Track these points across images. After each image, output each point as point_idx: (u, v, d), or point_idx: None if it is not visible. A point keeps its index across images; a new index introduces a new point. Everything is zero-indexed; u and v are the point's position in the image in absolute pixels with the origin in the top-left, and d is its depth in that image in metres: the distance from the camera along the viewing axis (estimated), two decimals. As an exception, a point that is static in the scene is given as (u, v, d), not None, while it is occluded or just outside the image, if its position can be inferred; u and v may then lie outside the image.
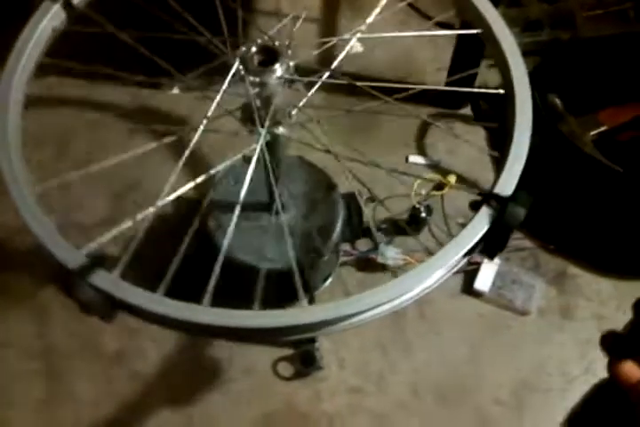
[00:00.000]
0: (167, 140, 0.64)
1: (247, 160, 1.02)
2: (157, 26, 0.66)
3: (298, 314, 0.54)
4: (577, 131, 1.23)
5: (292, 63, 0.64)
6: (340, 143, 0.75)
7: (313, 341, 1.03)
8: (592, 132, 1.22)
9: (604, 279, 1.18)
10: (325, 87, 0.72)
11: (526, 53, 1.35)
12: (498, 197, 0.56)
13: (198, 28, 0.66)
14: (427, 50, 1.40)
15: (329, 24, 1.42)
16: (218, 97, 0.62)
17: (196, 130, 0.62)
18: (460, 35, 1.33)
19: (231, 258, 0.96)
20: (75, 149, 1.29)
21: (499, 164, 0.60)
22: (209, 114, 0.62)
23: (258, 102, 0.65)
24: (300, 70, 0.65)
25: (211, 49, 0.65)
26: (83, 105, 1.32)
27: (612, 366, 0.47)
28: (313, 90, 0.70)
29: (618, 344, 0.48)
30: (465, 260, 0.57)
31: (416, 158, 1.27)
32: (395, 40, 1.38)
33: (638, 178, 1.16)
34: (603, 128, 1.23)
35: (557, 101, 1.25)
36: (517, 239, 1.19)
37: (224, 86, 0.63)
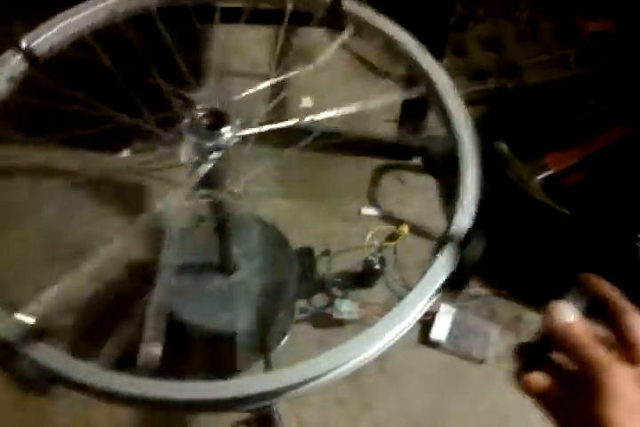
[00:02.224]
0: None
1: (197, 221, 1.03)
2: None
3: (247, 384, 0.53)
4: (525, 176, 1.25)
5: (239, 128, 0.65)
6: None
7: (270, 404, 1.02)
8: (539, 177, 1.25)
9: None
10: (276, 143, 0.72)
11: (474, 102, 1.42)
12: (453, 242, 0.57)
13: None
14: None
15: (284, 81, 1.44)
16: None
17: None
18: (407, 84, 1.37)
19: (183, 322, 0.95)
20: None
21: (450, 211, 0.61)
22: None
23: (203, 164, 0.65)
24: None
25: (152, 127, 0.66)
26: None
27: (519, 376, 0.47)
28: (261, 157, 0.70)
29: (528, 355, 0.49)
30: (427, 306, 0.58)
31: (368, 210, 1.28)
32: (345, 92, 1.41)
33: (586, 221, 1.19)
34: (550, 172, 1.26)
35: (505, 148, 1.28)
36: (472, 287, 1.20)
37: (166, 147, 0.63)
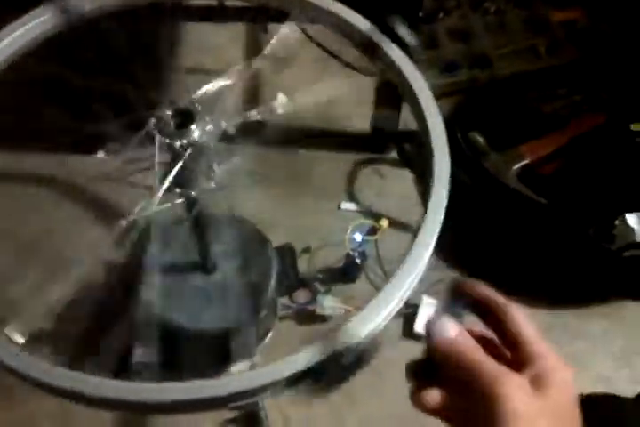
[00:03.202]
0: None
1: (175, 221, 1.02)
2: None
3: (231, 382, 0.53)
4: (500, 166, 1.26)
5: (209, 127, 0.65)
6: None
7: (256, 401, 1.02)
8: (515, 167, 1.26)
9: (539, 310, 1.20)
10: (252, 139, 0.72)
11: (447, 94, 1.42)
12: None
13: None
14: (350, 96, 1.43)
15: (252, 77, 1.44)
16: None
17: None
18: (379, 78, 1.37)
19: (165, 322, 0.94)
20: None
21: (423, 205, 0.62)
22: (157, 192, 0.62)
23: (173, 164, 0.65)
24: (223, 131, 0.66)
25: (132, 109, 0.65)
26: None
27: (412, 395, 0.46)
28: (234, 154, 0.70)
29: (419, 372, 0.48)
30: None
31: (347, 205, 1.29)
32: (318, 88, 1.41)
33: (563, 209, 1.20)
34: (525, 161, 1.27)
35: (480, 138, 1.29)
36: (451, 278, 1.20)
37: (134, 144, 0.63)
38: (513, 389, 0.41)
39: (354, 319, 0.55)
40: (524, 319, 0.45)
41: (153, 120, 0.62)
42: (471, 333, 0.46)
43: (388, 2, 1.09)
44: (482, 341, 0.46)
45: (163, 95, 0.66)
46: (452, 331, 0.45)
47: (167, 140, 0.62)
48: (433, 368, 0.46)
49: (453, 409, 0.45)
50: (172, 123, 0.63)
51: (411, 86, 0.69)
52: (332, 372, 0.53)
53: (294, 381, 0.51)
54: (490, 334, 0.46)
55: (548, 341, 1.27)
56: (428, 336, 0.46)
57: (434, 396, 0.45)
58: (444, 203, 0.62)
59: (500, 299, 0.46)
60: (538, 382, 0.42)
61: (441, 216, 0.61)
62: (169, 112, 0.63)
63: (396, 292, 0.57)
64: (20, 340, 0.53)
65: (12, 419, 1.06)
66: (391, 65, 0.71)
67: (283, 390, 0.51)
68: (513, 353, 0.45)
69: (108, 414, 1.01)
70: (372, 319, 0.55)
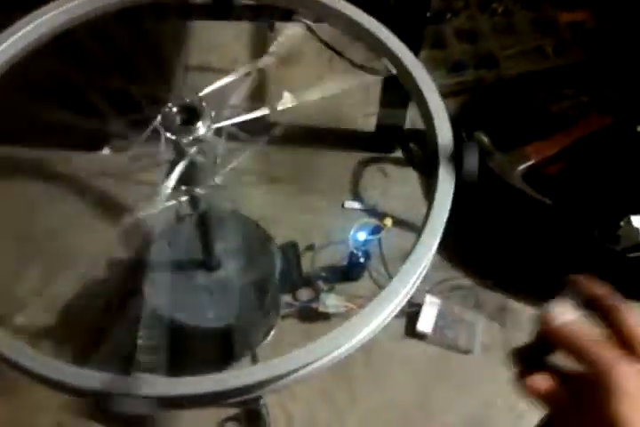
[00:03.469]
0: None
1: (179, 219, 1.02)
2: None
3: (237, 376, 0.53)
4: (505, 166, 1.26)
5: (215, 123, 0.65)
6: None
7: (258, 398, 1.02)
8: (520, 167, 1.26)
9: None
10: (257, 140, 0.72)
11: (453, 94, 1.42)
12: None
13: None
14: (356, 95, 1.43)
15: (258, 75, 1.44)
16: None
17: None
18: (385, 78, 1.37)
19: (168, 319, 0.94)
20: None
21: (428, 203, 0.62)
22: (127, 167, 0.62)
23: (179, 161, 0.65)
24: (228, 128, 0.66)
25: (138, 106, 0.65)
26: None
27: (520, 380, 0.47)
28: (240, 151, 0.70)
29: (526, 357, 0.49)
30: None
31: (352, 204, 1.28)
32: (323, 86, 1.41)
33: (568, 210, 1.20)
34: (530, 162, 1.26)
35: (485, 138, 1.29)
36: (456, 278, 1.20)
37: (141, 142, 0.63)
38: (623, 376, 0.42)
39: (358, 315, 0.55)
40: (637, 320, 0.46)
41: (159, 116, 0.63)
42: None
43: (398, 3, 1.09)
44: (596, 335, 0.46)
45: (168, 93, 0.66)
46: (569, 315, 0.46)
47: (173, 137, 0.62)
48: (540, 356, 0.47)
49: (561, 397, 0.45)
50: (177, 119, 0.64)
51: (418, 87, 0.70)
52: None
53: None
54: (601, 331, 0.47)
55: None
56: (545, 321, 0.46)
57: (541, 382, 0.46)
58: (449, 202, 0.62)
59: (613, 299, 0.47)
60: None
61: (445, 215, 0.61)
62: (175, 108, 0.63)
63: (400, 289, 0.57)
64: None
65: (11, 413, 1.07)
66: (399, 65, 0.71)
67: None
68: (624, 350, 0.44)
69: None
70: (377, 316, 0.56)
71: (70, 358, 0.52)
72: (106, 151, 0.82)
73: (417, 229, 0.60)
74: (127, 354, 0.58)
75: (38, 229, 1.20)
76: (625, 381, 0.41)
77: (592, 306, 0.47)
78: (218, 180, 0.70)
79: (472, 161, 0.60)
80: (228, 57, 1.46)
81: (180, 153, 0.63)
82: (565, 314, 0.46)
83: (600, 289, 0.47)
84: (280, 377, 0.54)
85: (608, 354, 0.43)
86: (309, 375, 0.56)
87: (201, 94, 0.65)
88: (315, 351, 0.54)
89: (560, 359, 0.47)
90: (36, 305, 0.53)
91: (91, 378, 0.52)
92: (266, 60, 0.75)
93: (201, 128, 0.63)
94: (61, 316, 1.09)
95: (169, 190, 0.63)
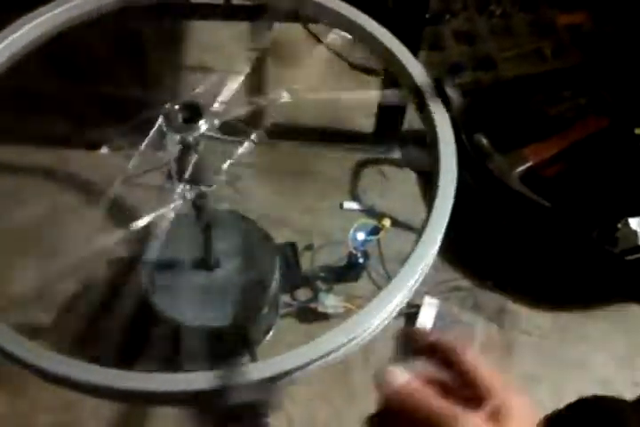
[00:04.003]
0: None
1: (178, 218, 1.02)
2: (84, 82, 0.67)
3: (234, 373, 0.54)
4: (504, 168, 1.26)
5: (216, 121, 0.65)
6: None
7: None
8: (519, 169, 1.26)
9: (542, 312, 1.20)
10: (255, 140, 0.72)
11: (451, 95, 1.41)
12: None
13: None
14: (355, 95, 1.43)
15: (256, 75, 1.44)
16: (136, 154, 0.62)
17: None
18: (383, 80, 1.37)
19: (167, 318, 0.94)
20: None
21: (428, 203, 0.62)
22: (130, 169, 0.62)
23: (184, 159, 0.65)
24: (229, 125, 0.66)
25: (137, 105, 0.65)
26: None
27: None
28: (241, 149, 0.70)
29: (377, 424, 0.47)
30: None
31: (350, 204, 1.29)
32: (322, 87, 1.41)
33: (566, 212, 1.20)
34: (529, 164, 1.26)
35: (484, 140, 1.29)
36: (455, 280, 1.20)
37: (146, 142, 0.63)
38: (475, 425, 0.40)
39: (360, 313, 0.55)
40: (477, 357, 0.44)
41: (161, 115, 0.63)
42: (425, 378, 0.44)
43: (396, 5, 1.10)
44: (438, 384, 0.44)
45: (167, 93, 0.66)
46: (404, 378, 0.43)
47: (175, 135, 0.62)
48: (392, 420, 0.45)
49: None
50: (180, 117, 0.64)
51: (418, 87, 0.70)
52: None
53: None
54: (444, 377, 0.45)
55: (551, 343, 1.27)
56: (380, 387, 0.44)
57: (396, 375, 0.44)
58: (450, 205, 0.62)
59: (448, 342, 0.45)
60: (496, 417, 0.41)
61: (446, 219, 0.61)
62: (177, 106, 0.63)
63: (401, 287, 0.57)
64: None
65: (12, 411, 1.06)
66: (399, 66, 0.71)
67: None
68: (470, 392, 0.43)
69: (107, 406, 1.02)
70: (375, 315, 0.56)
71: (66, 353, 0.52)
72: (104, 150, 0.82)
73: (415, 230, 0.60)
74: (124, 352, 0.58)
75: (37, 228, 1.19)
76: None
77: (429, 355, 0.45)
78: (217, 180, 0.70)
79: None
80: (225, 57, 1.46)
81: (186, 151, 0.63)
82: (400, 375, 0.44)
83: (435, 335, 0.46)
84: (277, 377, 0.54)
85: (448, 410, 0.41)
86: (308, 374, 0.56)
87: (200, 94, 0.66)
88: (314, 351, 0.54)
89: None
90: (35, 304, 0.52)
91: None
92: (264, 61, 0.75)
93: (203, 126, 0.63)
94: (59, 314, 1.09)
95: (180, 189, 0.64)
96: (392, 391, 0.43)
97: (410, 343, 0.46)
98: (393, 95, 0.72)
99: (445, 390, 0.44)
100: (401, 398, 0.43)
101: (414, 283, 0.58)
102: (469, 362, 0.44)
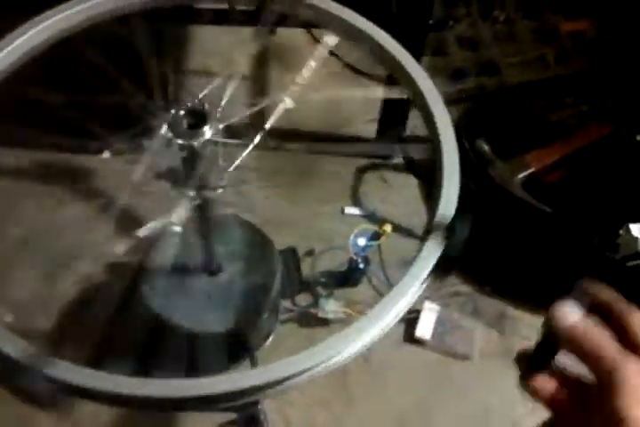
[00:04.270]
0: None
1: (180, 222, 1.02)
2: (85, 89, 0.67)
3: (236, 379, 0.53)
4: (506, 174, 1.26)
5: (221, 126, 0.65)
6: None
7: (256, 403, 1.02)
8: (520, 175, 1.26)
9: (542, 318, 1.20)
10: (258, 145, 0.72)
11: (454, 101, 1.43)
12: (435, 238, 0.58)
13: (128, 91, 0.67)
14: (356, 101, 1.43)
15: (259, 80, 1.45)
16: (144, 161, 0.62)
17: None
18: (385, 84, 1.37)
19: (168, 322, 0.94)
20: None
21: (431, 209, 0.62)
22: (135, 177, 0.62)
23: (188, 165, 0.65)
24: (232, 130, 0.66)
25: (140, 112, 0.66)
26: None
27: (525, 382, 0.47)
28: (244, 153, 0.70)
29: (531, 359, 0.48)
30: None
31: (352, 209, 1.29)
32: (324, 92, 1.42)
33: (567, 218, 1.20)
34: (531, 170, 1.27)
35: (485, 146, 1.29)
36: (455, 285, 1.20)
37: (150, 149, 0.63)
38: (632, 373, 0.41)
39: (359, 321, 0.55)
40: None
41: (165, 121, 0.63)
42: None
43: (399, 11, 1.10)
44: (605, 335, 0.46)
45: (169, 98, 0.66)
46: (577, 315, 0.45)
47: (179, 141, 0.63)
48: (545, 358, 0.47)
49: (566, 398, 0.46)
50: (184, 122, 0.64)
51: (422, 94, 0.70)
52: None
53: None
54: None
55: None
56: (552, 320, 0.46)
57: (546, 383, 0.46)
58: (452, 211, 0.62)
59: (622, 304, 0.46)
60: None
61: (448, 222, 0.61)
62: (181, 112, 0.64)
63: (406, 291, 0.57)
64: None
65: (12, 414, 1.07)
66: (403, 72, 0.71)
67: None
68: (632, 353, 0.44)
69: (106, 410, 1.02)
70: (382, 318, 0.55)
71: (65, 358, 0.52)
72: (106, 155, 0.83)
73: (416, 236, 0.60)
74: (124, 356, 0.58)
75: (38, 231, 1.20)
76: (632, 378, 0.41)
77: (598, 310, 0.47)
78: (219, 185, 0.70)
79: (463, 232, 0.60)
80: (228, 62, 1.46)
81: (189, 156, 0.63)
82: (574, 313, 0.46)
83: (609, 293, 0.47)
84: (277, 382, 0.54)
85: (615, 353, 0.43)
86: (309, 380, 0.56)
87: (202, 99, 0.66)
88: (314, 357, 0.54)
89: (566, 361, 0.47)
90: (36, 307, 0.52)
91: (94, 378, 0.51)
92: (266, 65, 0.75)
93: (207, 132, 0.63)
94: (60, 318, 1.09)
95: (183, 195, 0.64)
96: (565, 325, 0.45)
97: (588, 295, 0.47)
98: (396, 92, 0.71)
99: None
100: (573, 334, 0.44)
101: (417, 290, 0.58)
102: (638, 328, 0.44)
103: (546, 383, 0.47)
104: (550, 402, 0.46)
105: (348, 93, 0.68)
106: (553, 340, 0.46)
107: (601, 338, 0.44)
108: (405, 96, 0.71)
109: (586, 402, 0.44)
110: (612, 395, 0.41)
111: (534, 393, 0.47)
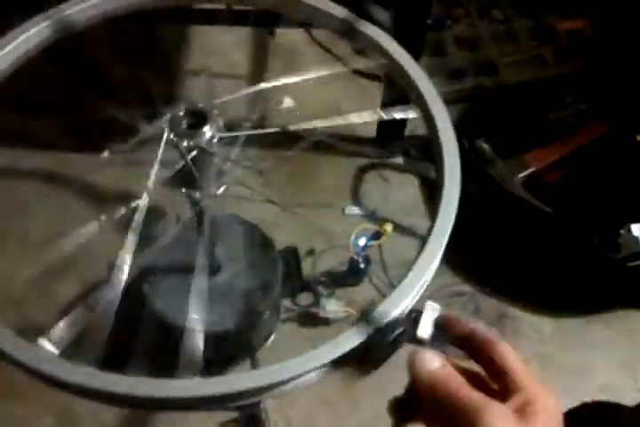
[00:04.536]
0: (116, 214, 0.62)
1: (180, 222, 1.02)
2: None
3: (237, 380, 0.53)
4: (506, 174, 1.26)
5: (220, 126, 0.65)
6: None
7: (257, 402, 1.02)
8: (520, 175, 1.26)
9: (543, 318, 1.20)
10: (258, 142, 0.72)
11: (453, 101, 1.43)
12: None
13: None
14: (356, 101, 1.43)
15: (259, 80, 1.44)
16: (156, 166, 0.62)
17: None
18: (385, 84, 1.37)
19: (168, 322, 0.94)
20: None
21: (432, 208, 0.62)
22: (149, 184, 0.62)
23: (187, 165, 0.65)
24: (231, 130, 0.66)
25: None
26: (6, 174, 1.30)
27: None
28: (242, 140, 0.70)
29: (401, 408, 0.48)
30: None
31: (352, 209, 1.29)
32: (324, 92, 1.42)
33: (568, 218, 1.20)
34: (531, 170, 1.27)
35: (485, 146, 1.29)
36: (456, 285, 1.20)
37: (152, 151, 0.63)
38: (496, 418, 0.40)
39: (385, 302, 0.54)
40: (510, 351, 0.45)
41: (165, 120, 0.63)
42: (455, 366, 0.45)
43: (398, 11, 1.10)
44: (466, 374, 0.45)
45: (169, 97, 0.66)
46: (436, 362, 0.44)
47: (179, 141, 0.62)
48: (416, 404, 0.46)
49: None
50: (184, 123, 0.64)
51: (421, 94, 0.70)
52: (376, 350, 0.52)
53: (338, 363, 0.51)
54: (475, 368, 0.46)
55: (552, 348, 1.26)
56: (412, 368, 0.45)
57: None
58: (454, 212, 0.62)
59: (485, 333, 0.46)
60: (522, 411, 0.41)
61: (450, 225, 0.61)
62: (181, 113, 0.64)
63: (410, 289, 0.57)
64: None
65: (15, 414, 1.07)
66: (402, 73, 0.71)
67: (327, 373, 0.51)
68: (499, 384, 0.44)
69: (109, 410, 1.02)
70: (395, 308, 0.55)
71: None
72: (105, 154, 0.82)
73: (417, 235, 0.59)
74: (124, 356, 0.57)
75: (38, 230, 1.20)
76: (497, 422, 0.40)
77: (463, 343, 0.47)
78: (219, 184, 0.70)
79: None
80: (227, 62, 1.47)
81: (190, 157, 0.63)
82: (432, 360, 0.45)
83: (470, 325, 0.47)
84: (279, 384, 0.54)
85: (476, 398, 0.41)
86: (312, 382, 0.55)
87: (202, 99, 0.66)
88: (319, 358, 0.54)
89: (435, 407, 0.44)
90: (36, 307, 0.52)
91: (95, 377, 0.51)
92: (265, 65, 0.75)
93: (207, 133, 0.63)
94: (59, 317, 1.08)
95: (183, 195, 0.64)
96: (423, 375, 0.44)
97: (446, 329, 0.47)
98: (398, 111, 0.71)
99: (475, 379, 0.44)
100: (431, 381, 0.43)
101: (419, 290, 0.58)
102: (503, 354, 0.44)
103: None
104: None
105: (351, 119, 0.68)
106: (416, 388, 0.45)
107: (458, 383, 0.43)
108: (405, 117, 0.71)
109: None
110: None
111: None
